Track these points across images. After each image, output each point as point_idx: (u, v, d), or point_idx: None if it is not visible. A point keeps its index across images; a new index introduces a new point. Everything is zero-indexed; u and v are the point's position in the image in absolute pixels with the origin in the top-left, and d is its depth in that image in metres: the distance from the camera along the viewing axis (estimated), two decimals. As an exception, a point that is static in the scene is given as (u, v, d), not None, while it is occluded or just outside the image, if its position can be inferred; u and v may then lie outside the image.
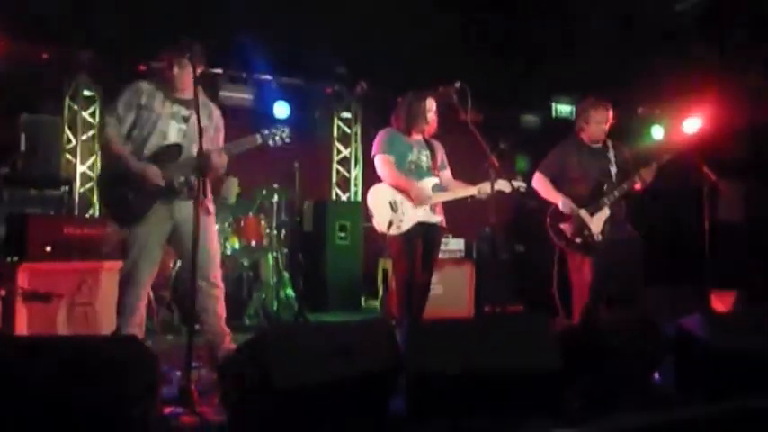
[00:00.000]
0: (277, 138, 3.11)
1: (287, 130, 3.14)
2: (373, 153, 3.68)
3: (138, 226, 2.99)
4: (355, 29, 5.29)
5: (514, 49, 5.89)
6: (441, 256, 4.16)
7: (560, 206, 3.93)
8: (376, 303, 6.17)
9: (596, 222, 3.91)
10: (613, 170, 4.06)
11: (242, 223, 5.05)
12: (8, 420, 1.88)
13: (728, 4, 5.32)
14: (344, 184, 7.18)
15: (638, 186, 3.91)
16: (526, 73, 6.10)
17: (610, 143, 4.13)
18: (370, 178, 7.11)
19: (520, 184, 3.55)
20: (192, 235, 2.62)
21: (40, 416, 1.92)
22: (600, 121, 4.03)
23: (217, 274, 3.12)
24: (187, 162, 3.01)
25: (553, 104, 7.04)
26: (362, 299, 6.38)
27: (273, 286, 5.09)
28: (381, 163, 3.63)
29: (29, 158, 5.07)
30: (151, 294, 4.18)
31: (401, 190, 3.56)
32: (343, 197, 7.11)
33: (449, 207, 3.75)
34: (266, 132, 3.10)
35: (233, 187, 5.28)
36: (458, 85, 3.38)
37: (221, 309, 3.13)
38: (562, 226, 3.94)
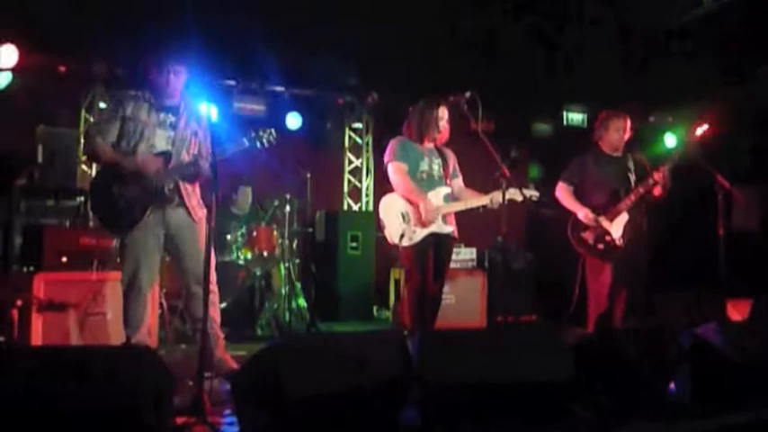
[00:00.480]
0: (264, 139, 3.12)
1: (272, 131, 3.16)
2: (386, 160, 3.68)
3: (132, 234, 3.01)
4: (367, 40, 5.32)
5: (526, 57, 5.88)
6: (453, 265, 4.20)
7: (580, 216, 4.02)
8: (388, 313, 6.16)
9: (616, 227, 3.98)
10: (632, 178, 4.12)
11: (254, 233, 5.07)
12: (21, 429, 1.90)
13: (737, 14, 5.29)
14: (356, 194, 7.20)
15: (657, 191, 3.96)
16: (537, 81, 6.09)
17: (629, 154, 4.20)
18: (382, 188, 7.13)
19: (532, 192, 3.54)
20: (206, 241, 2.65)
21: (53, 426, 1.94)
22: (619, 128, 4.11)
23: (211, 278, 3.10)
24: (176, 168, 3.04)
25: (565, 113, 7.02)
26: (374, 309, 6.37)
27: (285, 296, 5.10)
28: (394, 170, 3.63)
29: (45, 169, 5.13)
30: (164, 304, 4.22)
31: (411, 203, 3.56)
32: (355, 207, 7.12)
33: (461, 216, 3.75)
34: (252, 135, 3.11)
35: (246, 197, 5.31)
36: (468, 94, 3.41)
37: (215, 313, 3.17)
38: (584, 234, 4.02)
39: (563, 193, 4.15)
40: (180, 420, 2.38)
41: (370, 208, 7.05)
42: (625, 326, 3.68)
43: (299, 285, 5.31)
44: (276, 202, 5.28)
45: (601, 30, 5.54)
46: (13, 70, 5.03)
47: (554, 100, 6.91)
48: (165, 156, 3.06)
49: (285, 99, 6.29)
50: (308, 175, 5.32)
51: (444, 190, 3.66)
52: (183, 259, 3.11)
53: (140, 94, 3.12)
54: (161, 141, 3.08)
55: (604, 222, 3.98)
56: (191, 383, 2.81)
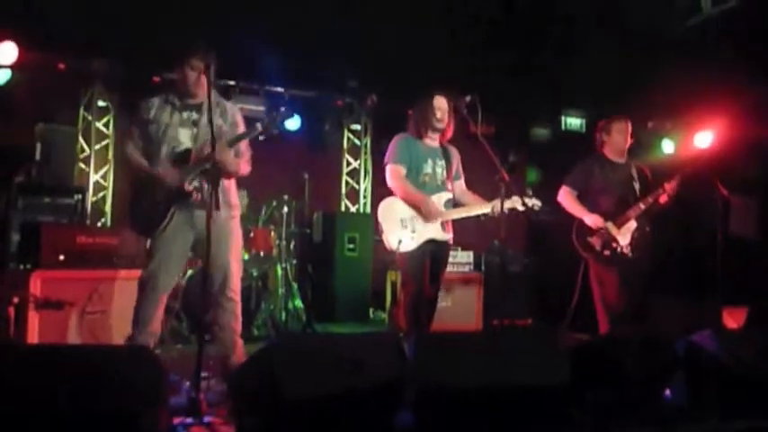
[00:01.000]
0: (277, 122, 3.03)
1: (289, 110, 3.09)
2: (385, 161, 3.59)
3: (159, 235, 2.99)
4: (366, 42, 5.33)
5: (524, 62, 5.90)
6: (449, 268, 4.15)
7: (587, 221, 3.96)
8: (384, 315, 6.16)
9: (624, 234, 3.94)
10: (636, 186, 4.10)
11: (252, 234, 5.07)
12: (15, 428, 1.90)
13: (741, 19, 5.31)
14: (354, 195, 7.20)
15: (663, 199, 3.93)
16: (536, 86, 6.11)
17: (632, 162, 4.18)
18: (380, 190, 7.14)
19: (535, 202, 3.49)
20: (206, 243, 2.63)
21: (48, 425, 1.93)
22: (621, 130, 4.07)
23: (235, 288, 3.08)
24: (198, 164, 2.97)
25: (563, 118, 7.04)
26: (370, 311, 6.38)
27: (282, 297, 5.10)
28: (391, 174, 3.55)
29: (43, 167, 5.14)
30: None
31: (412, 204, 3.49)
32: (353, 209, 7.13)
33: (458, 219, 3.70)
34: (266, 119, 3.04)
35: (241, 199, 5.31)
36: (468, 98, 3.39)
37: (236, 322, 3.08)
38: (590, 239, 3.96)
39: (567, 197, 4.09)
40: (176, 420, 2.39)
41: (368, 210, 7.06)
42: (621, 331, 3.65)
43: (295, 286, 5.32)
44: (274, 203, 5.29)
45: (600, 34, 5.56)
46: (12, 67, 5.02)
47: (552, 105, 6.93)
48: (186, 153, 3.01)
49: (284, 100, 6.29)
50: (306, 177, 5.32)
51: (445, 196, 3.61)
52: (207, 269, 3.06)
53: (164, 97, 3.11)
54: (184, 139, 3.04)
55: (612, 229, 3.93)
56: (187, 384, 2.81)
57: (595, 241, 3.94)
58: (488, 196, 3.56)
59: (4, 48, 4.94)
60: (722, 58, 5.46)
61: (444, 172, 3.62)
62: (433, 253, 3.52)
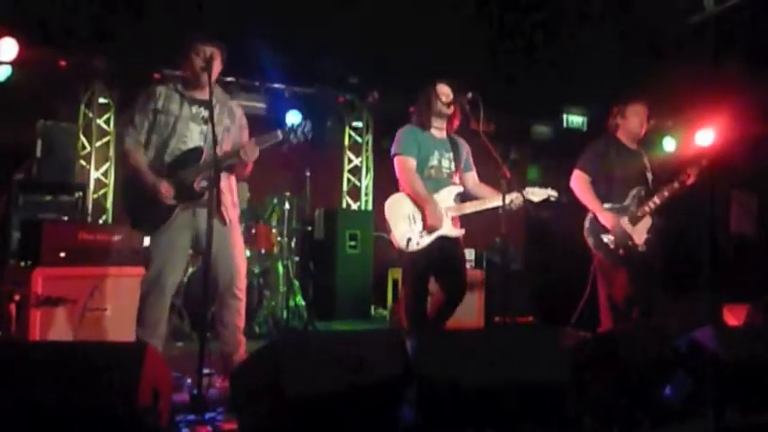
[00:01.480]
0: (299, 133, 3.00)
1: (308, 125, 3.04)
2: (392, 152, 3.46)
3: (161, 233, 2.93)
4: (367, 39, 5.33)
5: (525, 59, 5.90)
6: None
7: (602, 220, 3.70)
8: (385, 312, 6.18)
9: (639, 233, 3.71)
10: (650, 176, 3.86)
11: (253, 231, 5.08)
12: (16, 425, 1.90)
13: (743, 17, 5.31)
14: (355, 192, 7.21)
15: (690, 181, 3.67)
16: (537, 83, 6.11)
17: (643, 150, 3.95)
18: (381, 187, 7.13)
19: (551, 192, 3.37)
20: (206, 241, 2.62)
21: (49, 422, 1.94)
22: (638, 113, 3.83)
23: (241, 286, 3.05)
24: (208, 164, 2.89)
25: (564, 115, 7.04)
26: (372, 308, 6.39)
27: (283, 294, 5.11)
28: (399, 166, 3.41)
29: (44, 164, 5.14)
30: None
31: (417, 204, 3.36)
32: (354, 206, 7.13)
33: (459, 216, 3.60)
34: (287, 128, 3.00)
35: (243, 193, 5.31)
36: (470, 95, 3.32)
37: (240, 320, 3.06)
38: (604, 237, 3.71)
39: (582, 184, 3.77)
40: (178, 417, 2.39)
41: (369, 207, 7.07)
42: (622, 329, 3.62)
43: (297, 283, 5.32)
44: (275, 200, 5.29)
45: (602, 32, 5.55)
46: (12, 64, 5.02)
47: (554, 102, 6.93)
48: (197, 151, 2.95)
49: (285, 96, 6.29)
50: (308, 174, 5.32)
51: (454, 190, 3.45)
52: (213, 265, 2.98)
53: (170, 86, 3.02)
54: (194, 135, 2.97)
55: (628, 227, 3.69)
56: (189, 381, 2.81)
57: (609, 239, 3.70)
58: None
59: (4, 44, 4.93)
60: (724, 56, 5.46)
61: (452, 164, 3.48)
62: (445, 252, 3.35)
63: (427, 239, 3.32)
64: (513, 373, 2.35)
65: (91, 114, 5.97)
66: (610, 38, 5.63)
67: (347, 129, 7.20)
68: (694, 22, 5.15)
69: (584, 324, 4.07)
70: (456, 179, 3.51)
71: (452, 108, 3.44)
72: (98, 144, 5.98)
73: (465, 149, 3.59)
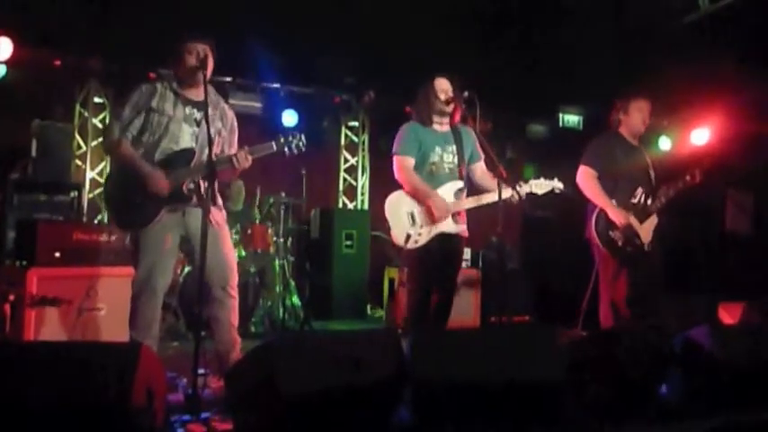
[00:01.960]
0: (293, 145, 3.02)
1: (303, 139, 3.05)
2: (393, 151, 3.43)
3: (147, 233, 2.90)
4: (364, 38, 5.32)
5: (521, 58, 5.90)
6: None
7: (612, 216, 3.64)
8: (381, 312, 6.17)
9: (645, 231, 3.68)
10: (652, 174, 3.84)
11: (249, 230, 5.07)
12: (9, 426, 1.89)
13: (738, 16, 5.32)
14: (351, 192, 7.20)
15: (697, 179, 3.64)
16: (533, 83, 6.11)
17: (643, 147, 3.92)
18: (377, 187, 7.12)
19: (556, 184, 3.34)
20: (201, 242, 2.62)
21: (42, 422, 1.93)
22: (641, 108, 3.80)
23: (233, 284, 3.05)
24: (198, 167, 2.90)
25: (560, 114, 7.05)
26: (368, 307, 6.39)
27: (279, 294, 5.10)
28: (398, 166, 3.39)
29: (39, 164, 5.12)
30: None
31: (419, 201, 3.33)
32: (350, 205, 7.13)
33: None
34: (282, 140, 3.01)
35: (239, 192, 5.30)
36: (466, 94, 3.30)
37: (234, 318, 3.07)
38: (612, 234, 3.65)
39: (589, 180, 3.71)
40: (173, 417, 2.38)
41: (366, 206, 7.07)
42: (619, 328, 3.61)
43: (293, 283, 5.31)
44: (271, 200, 5.28)
45: (598, 31, 5.56)
46: (7, 63, 5.00)
47: (550, 101, 6.93)
48: (187, 153, 2.94)
49: (281, 96, 6.28)
50: (304, 173, 5.32)
51: (456, 185, 3.40)
52: (203, 266, 3.01)
53: (166, 84, 2.99)
54: (185, 137, 2.96)
55: (635, 224, 3.64)
56: (184, 380, 2.80)
57: (618, 237, 3.64)
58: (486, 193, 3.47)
59: (-2, 43, 4.91)
60: (719, 55, 5.47)
61: (455, 158, 3.42)
62: (445, 249, 3.33)
63: (427, 237, 3.30)
64: (510, 372, 2.35)
65: (86, 114, 5.95)
66: (605, 37, 5.64)
67: (343, 128, 7.19)
68: (689, 22, 5.16)
69: (584, 324, 4.04)
70: (459, 173, 3.44)
71: (451, 106, 3.41)
72: (94, 144, 5.95)
73: (470, 139, 3.51)
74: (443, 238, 3.33)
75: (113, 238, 3.90)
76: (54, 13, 4.83)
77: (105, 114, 6.02)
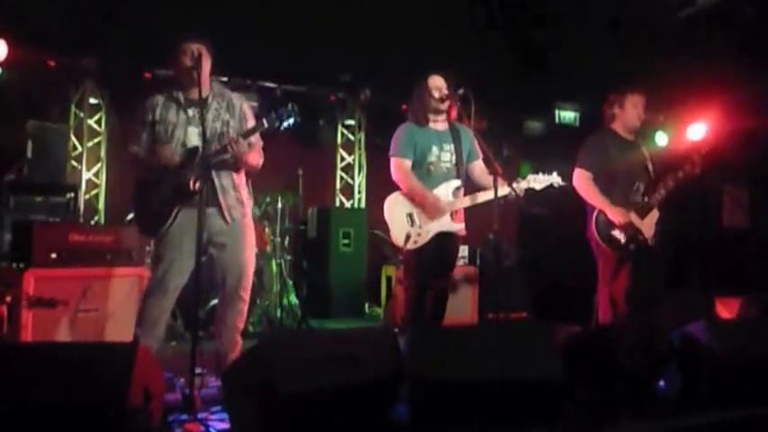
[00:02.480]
0: (284, 118, 2.92)
1: (295, 108, 2.95)
2: (389, 153, 3.43)
3: (165, 235, 2.90)
4: (359, 36, 5.32)
5: (517, 55, 5.90)
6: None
7: (610, 215, 3.61)
8: (379, 310, 6.18)
9: (647, 226, 3.64)
10: (650, 167, 3.79)
11: (246, 230, 5.06)
12: (8, 425, 1.89)
13: (734, 10, 5.32)
14: (348, 190, 7.19)
15: (695, 170, 3.60)
16: (529, 79, 6.11)
17: (640, 140, 3.89)
18: (374, 185, 7.12)
19: (554, 179, 3.33)
20: (197, 240, 2.61)
21: (40, 423, 1.93)
22: (637, 104, 3.76)
23: (246, 288, 3.03)
24: (202, 160, 2.84)
25: (556, 111, 7.05)
26: (366, 306, 6.38)
27: (277, 293, 5.10)
28: (394, 168, 3.39)
29: (35, 165, 5.10)
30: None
31: (415, 202, 3.35)
32: (347, 204, 7.12)
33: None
34: (273, 115, 2.92)
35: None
36: (461, 91, 3.27)
37: (240, 322, 3.05)
38: (615, 233, 3.62)
39: (584, 182, 3.68)
40: (171, 417, 2.38)
41: (363, 205, 7.06)
42: (615, 324, 3.60)
43: (290, 282, 5.31)
44: (268, 199, 5.27)
45: (594, 27, 5.56)
46: (1, 65, 4.98)
47: (546, 98, 6.93)
48: (193, 151, 2.92)
49: (277, 95, 6.27)
50: (301, 172, 5.31)
51: (454, 184, 3.40)
52: (216, 267, 2.97)
53: (167, 93, 3.01)
54: (192, 138, 2.95)
55: (636, 221, 3.61)
56: (182, 380, 2.80)
57: (620, 235, 3.60)
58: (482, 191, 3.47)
59: (-7, 45, 4.89)
60: (715, 50, 5.47)
61: (453, 157, 3.41)
62: (443, 248, 3.35)
63: (426, 237, 3.31)
64: (507, 369, 2.35)
65: (82, 115, 5.94)
66: (601, 33, 5.64)
67: (339, 127, 7.18)
68: (685, 16, 5.16)
69: (583, 320, 4.02)
70: (457, 172, 3.43)
71: (446, 103, 3.39)
72: (89, 144, 5.94)
73: (468, 138, 3.50)
74: (441, 236, 3.34)
75: (109, 239, 3.89)
76: (48, 13, 4.81)
77: (101, 115, 6.01)
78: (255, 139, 3.01)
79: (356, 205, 7.08)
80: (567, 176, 3.68)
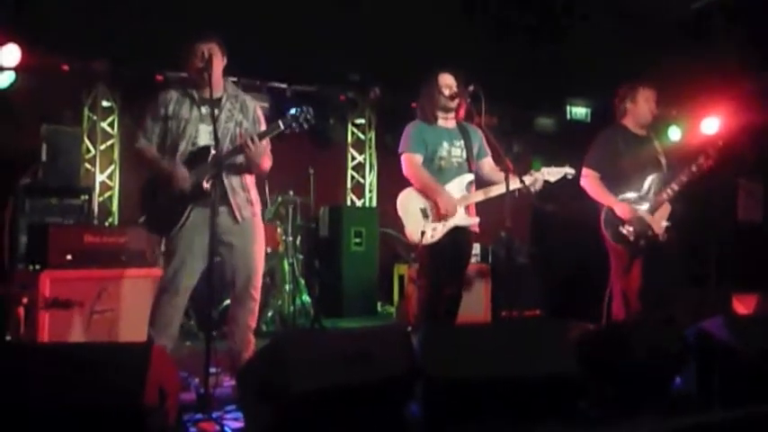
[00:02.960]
0: (301, 120, 2.94)
1: (310, 111, 2.97)
2: (399, 150, 3.43)
3: (177, 234, 2.91)
4: (368, 35, 5.31)
5: (528, 51, 5.87)
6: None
7: (617, 211, 3.59)
8: (392, 309, 6.18)
9: (658, 221, 3.59)
10: (663, 161, 3.75)
11: (258, 230, 5.08)
12: (22, 427, 1.91)
13: (746, 3, 5.26)
14: (359, 189, 7.20)
15: (708, 164, 3.54)
16: (540, 75, 6.07)
17: (653, 134, 3.85)
18: (385, 184, 7.11)
19: (567, 170, 3.32)
20: (209, 240, 2.63)
21: (57, 422, 1.95)
22: (648, 99, 3.72)
23: (257, 286, 3.04)
24: (214, 161, 2.86)
25: (568, 107, 7.00)
26: (378, 305, 6.39)
27: (289, 292, 5.11)
28: (406, 164, 3.38)
29: (49, 168, 5.15)
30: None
31: (428, 197, 3.33)
32: (358, 203, 7.13)
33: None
34: (289, 117, 2.95)
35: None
36: (471, 88, 3.25)
37: (252, 320, 3.06)
38: (623, 230, 3.59)
39: (591, 181, 3.68)
40: (186, 416, 2.39)
41: (374, 204, 7.06)
42: (632, 320, 3.56)
43: (302, 281, 5.32)
44: (279, 199, 5.29)
45: (605, 21, 5.51)
46: (15, 69, 5.04)
47: (557, 94, 6.89)
48: (205, 150, 2.93)
49: (287, 95, 6.28)
50: (312, 172, 5.32)
51: (467, 178, 3.39)
52: (226, 267, 2.98)
53: (182, 90, 3.02)
54: (203, 136, 2.96)
55: (645, 215, 3.57)
56: (197, 380, 2.82)
57: (629, 231, 3.57)
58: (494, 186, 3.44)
59: (7, 50, 4.94)
60: (728, 43, 5.41)
61: (464, 152, 3.41)
62: (457, 243, 3.33)
63: (441, 231, 3.29)
64: (520, 367, 2.34)
65: (95, 117, 5.99)
66: (612, 27, 5.60)
67: (350, 126, 7.19)
68: (697, 9, 5.10)
69: (597, 317, 3.98)
70: (469, 166, 3.43)
71: (456, 101, 3.39)
72: (102, 147, 6.00)
73: (477, 136, 3.51)
74: (456, 231, 3.31)
75: (123, 240, 3.93)
76: (60, 17, 4.86)
77: (113, 118, 6.06)
78: (265, 142, 3.01)
79: (367, 204, 7.09)
80: (578, 172, 3.67)
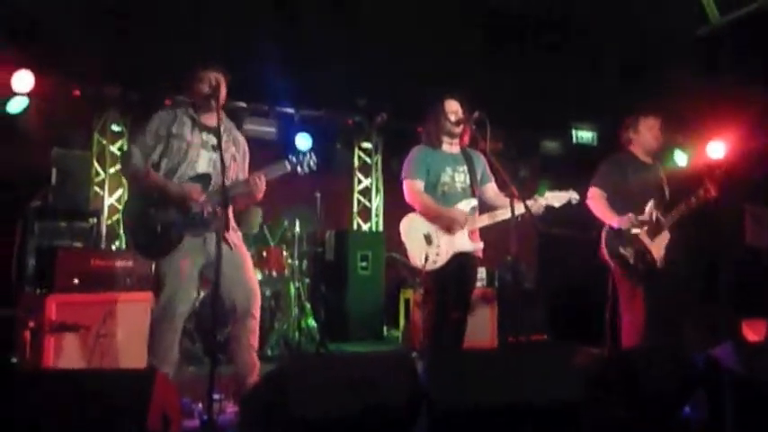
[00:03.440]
0: (305, 164, 3.05)
1: (314, 157, 3.08)
2: (402, 176, 3.45)
3: (170, 259, 2.91)
4: (375, 60, 5.38)
5: (534, 75, 5.92)
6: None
7: (617, 223, 3.60)
8: (398, 333, 6.13)
9: (657, 247, 3.61)
10: (666, 190, 3.79)
11: (264, 253, 5.09)
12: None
13: (751, 29, 5.29)
14: (365, 213, 7.21)
15: (709, 195, 3.56)
16: (546, 99, 6.11)
17: (659, 163, 3.89)
18: (392, 208, 7.11)
19: (572, 195, 3.34)
20: (215, 266, 2.63)
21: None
22: (652, 127, 3.78)
23: (256, 305, 3.05)
24: (216, 192, 2.91)
25: (573, 130, 7.02)
26: (384, 329, 6.35)
27: (295, 316, 5.10)
28: (407, 190, 3.41)
29: (59, 191, 5.20)
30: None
31: (432, 218, 3.33)
32: (365, 227, 7.14)
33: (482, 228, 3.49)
34: (294, 159, 3.05)
35: (256, 217, 5.35)
36: (476, 114, 3.25)
37: (254, 340, 3.06)
38: (623, 251, 3.61)
39: (597, 200, 3.70)
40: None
41: (380, 228, 7.07)
42: (639, 348, 3.52)
43: (308, 305, 5.31)
44: (285, 223, 5.30)
45: (610, 47, 5.56)
46: (29, 95, 5.13)
47: (563, 118, 6.92)
48: (205, 178, 2.97)
49: (294, 120, 6.35)
50: (318, 196, 5.35)
51: (470, 203, 3.40)
52: (224, 295, 2.97)
53: (183, 110, 3.06)
54: (203, 162, 3.00)
55: (644, 238, 3.58)
56: (200, 406, 2.80)
57: (629, 254, 3.60)
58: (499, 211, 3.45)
59: (21, 76, 5.04)
60: (732, 68, 5.43)
61: (467, 177, 3.43)
62: (462, 268, 3.33)
63: (445, 257, 3.30)
64: (527, 393, 2.31)
65: (104, 141, 6.07)
66: (618, 52, 5.64)
67: (356, 150, 7.24)
68: (701, 35, 5.14)
69: (605, 343, 3.94)
70: (473, 191, 3.44)
71: (461, 127, 3.42)
72: (112, 171, 6.06)
73: (480, 162, 3.53)
74: (460, 257, 3.33)
75: (130, 263, 3.94)
76: (72, 44, 4.95)
77: (123, 142, 6.13)
78: (269, 176, 3.07)
79: (373, 228, 7.09)
80: (584, 196, 3.69)
